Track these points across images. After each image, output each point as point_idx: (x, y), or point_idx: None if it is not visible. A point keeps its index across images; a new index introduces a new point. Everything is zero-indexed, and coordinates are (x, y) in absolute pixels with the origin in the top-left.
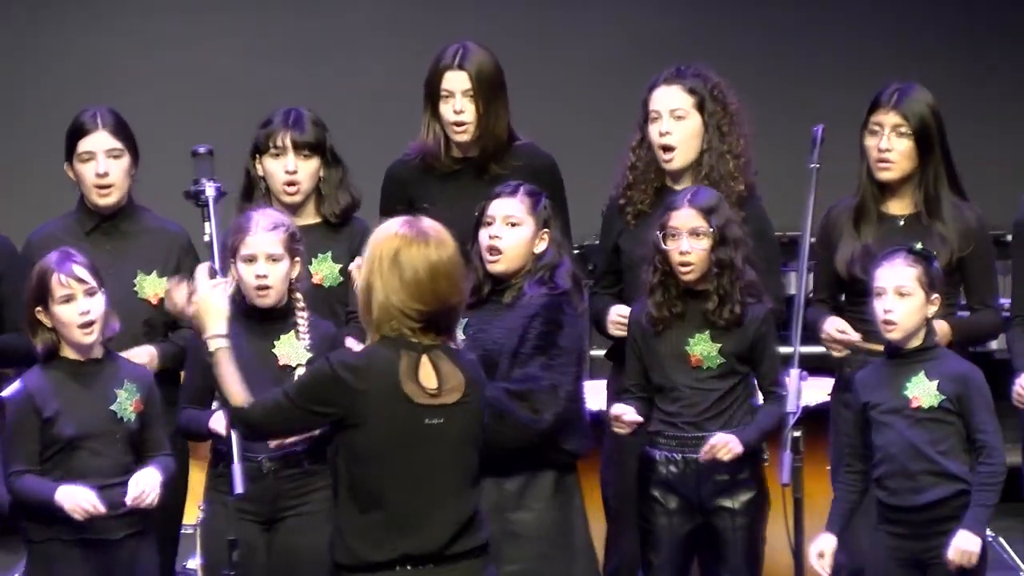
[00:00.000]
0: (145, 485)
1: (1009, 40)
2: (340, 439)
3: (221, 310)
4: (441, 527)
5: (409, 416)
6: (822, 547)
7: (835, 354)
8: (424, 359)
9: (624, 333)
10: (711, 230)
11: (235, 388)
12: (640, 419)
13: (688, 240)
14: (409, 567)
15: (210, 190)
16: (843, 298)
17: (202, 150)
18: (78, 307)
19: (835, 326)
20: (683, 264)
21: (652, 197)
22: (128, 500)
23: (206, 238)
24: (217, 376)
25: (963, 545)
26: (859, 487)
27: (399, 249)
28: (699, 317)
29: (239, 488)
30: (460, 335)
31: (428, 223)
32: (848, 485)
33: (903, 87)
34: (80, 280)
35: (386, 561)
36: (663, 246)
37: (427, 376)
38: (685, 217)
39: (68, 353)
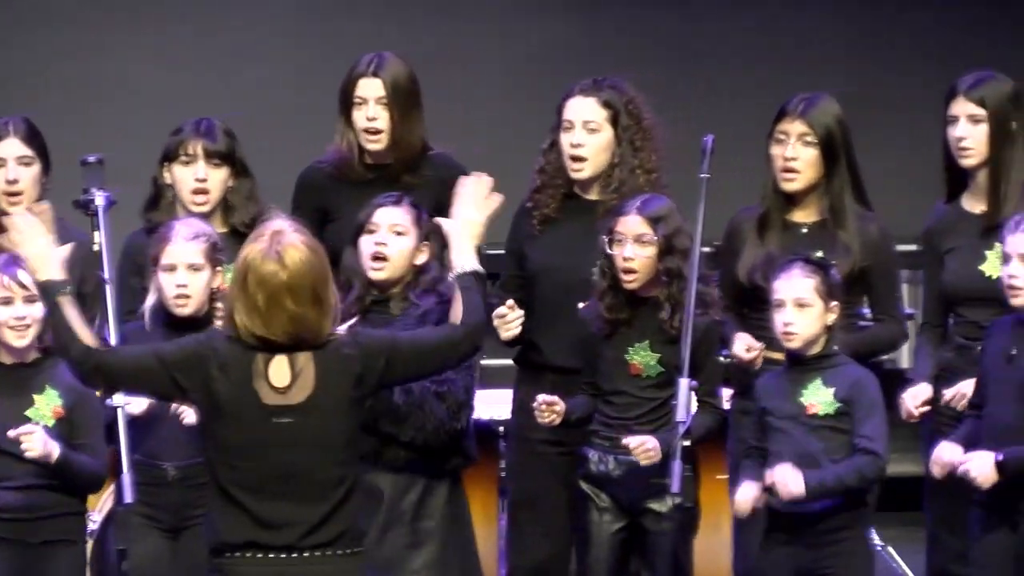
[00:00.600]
0: (35, 435)
1: (909, 51)
2: (204, 428)
3: (47, 252)
4: (293, 525)
5: (257, 414)
6: (747, 493)
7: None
8: (281, 357)
9: (505, 329)
10: (656, 238)
11: (85, 330)
12: (563, 405)
13: (632, 247)
14: (259, 555)
15: (100, 199)
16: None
17: (92, 159)
18: (14, 311)
19: (744, 345)
20: (626, 271)
21: (560, 203)
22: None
23: (96, 247)
24: (60, 321)
25: (784, 477)
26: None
27: (248, 270)
28: (644, 325)
29: (128, 497)
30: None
31: (287, 239)
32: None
33: (810, 97)
34: (22, 285)
35: (237, 543)
36: (609, 251)
37: (279, 374)
38: (631, 224)
39: (3, 358)
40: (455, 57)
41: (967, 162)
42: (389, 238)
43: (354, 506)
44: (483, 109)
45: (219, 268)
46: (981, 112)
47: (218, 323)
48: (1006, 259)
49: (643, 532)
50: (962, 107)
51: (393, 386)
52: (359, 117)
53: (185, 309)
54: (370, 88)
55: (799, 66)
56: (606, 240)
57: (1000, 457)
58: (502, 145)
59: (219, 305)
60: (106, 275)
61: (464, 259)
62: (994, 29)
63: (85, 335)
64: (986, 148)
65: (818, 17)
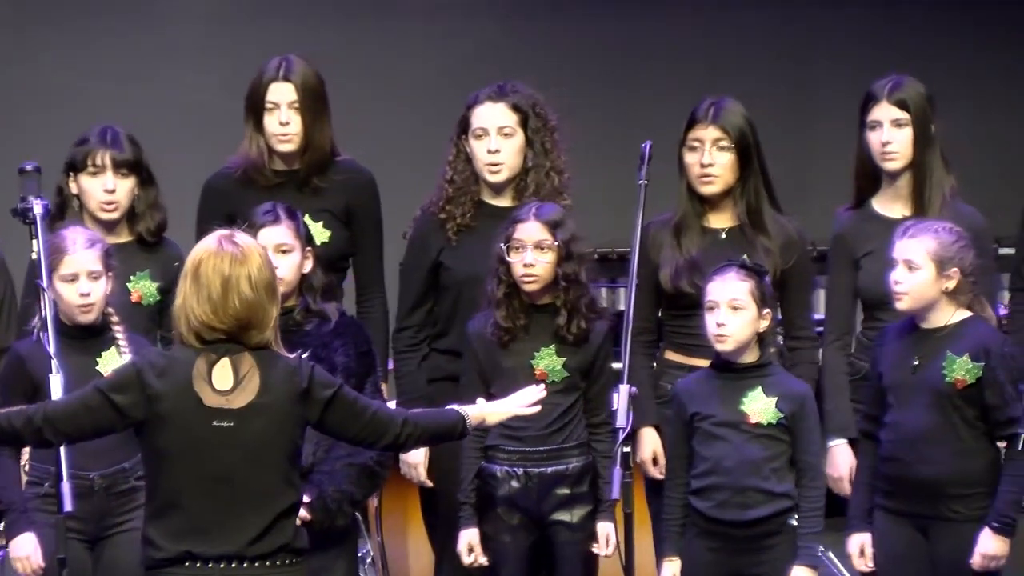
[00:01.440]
0: None
1: (826, 56)
2: (142, 442)
3: None
4: (236, 531)
5: (198, 417)
6: (673, 571)
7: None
8: (224, 361)
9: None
10: (556, 244)
11: (22, 407)
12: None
13: (532, 253)
14: (199, 564)
15: (38, 207)
16: (661, 313)
17: (29, 167)
18: None
19: (651, 453)
20: (527, 277)
21: (473, 211)
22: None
23: (34, 255)
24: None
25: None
26: (687, 500)
27: (201, 263)
28: (544, 331)
29: (68, 506)
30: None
31: (241, 238)
32: (680, 500)
33: (717, 101)
34: None
35: (174, 556)
36: (507, 258)
37: (222, 378)
38: (531, 230)
39: None
40: (383, 61)
41: (892, 166)
42: (278, 260)
43: (294, 522)
44: (415, 112)
45: (111, 273)
46: (904, 116)
47: (115, 328)
48: (892, 264)
49: (551, 543)
50: (885, 112)
51: (326, 433)
52: (271, 122)
53: (89, 316)
54: (281, 92)
55: (722, 74)
56: (504, 248)
57: (993, 525)
58: (430, 147)
59: (110, 310)
60: (44, 283)
61: (473, 412)
62: (915, 32)
63: (9, 411)
64: (910, 151)
65: (751, 17)
